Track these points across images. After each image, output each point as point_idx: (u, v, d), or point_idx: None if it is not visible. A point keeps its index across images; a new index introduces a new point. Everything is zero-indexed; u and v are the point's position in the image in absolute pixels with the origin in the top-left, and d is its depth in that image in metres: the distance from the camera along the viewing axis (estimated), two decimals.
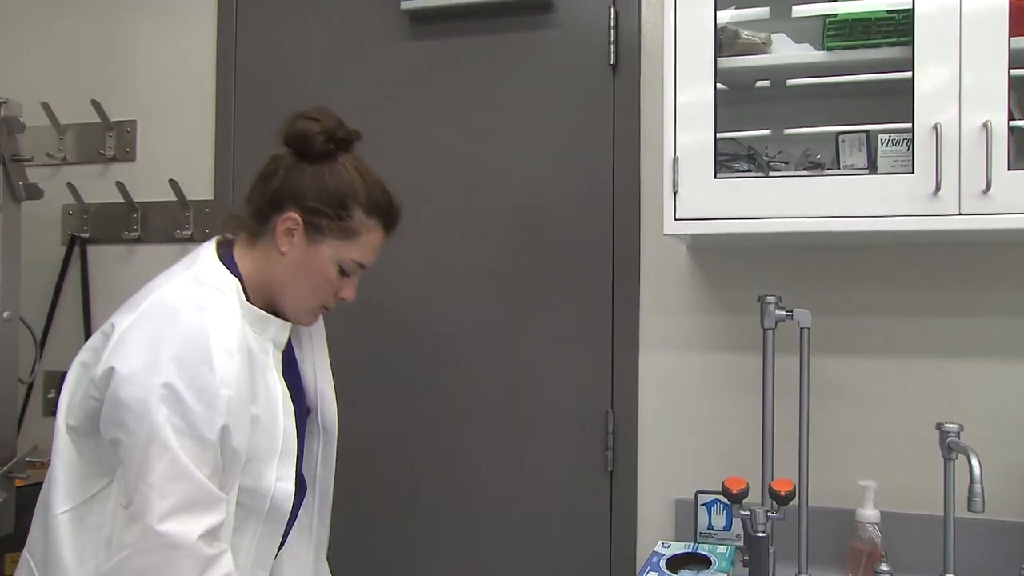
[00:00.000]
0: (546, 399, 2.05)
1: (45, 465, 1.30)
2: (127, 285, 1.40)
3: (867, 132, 1.67)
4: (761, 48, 1.66)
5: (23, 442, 2.10)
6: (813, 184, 1.59)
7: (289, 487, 1.31)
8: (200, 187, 2.33)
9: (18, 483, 1.97)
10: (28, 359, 2.27)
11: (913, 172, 1.51)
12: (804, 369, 1.68)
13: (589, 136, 2.02)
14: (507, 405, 2.08)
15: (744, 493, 1.45)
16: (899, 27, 1.57)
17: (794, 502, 1.55)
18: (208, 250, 1.36)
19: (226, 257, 1.35)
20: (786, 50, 1.67)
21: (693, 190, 1.62)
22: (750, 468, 1.77)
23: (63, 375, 1.31)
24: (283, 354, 1.39)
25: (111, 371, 1.20)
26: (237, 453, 1.23)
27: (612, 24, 2.00)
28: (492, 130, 2.10)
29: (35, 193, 2.03)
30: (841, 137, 1.70)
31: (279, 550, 1.41)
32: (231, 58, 2.31)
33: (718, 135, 1.61)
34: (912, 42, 1.52)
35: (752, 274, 1.91)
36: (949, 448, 1.57)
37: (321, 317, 1.48)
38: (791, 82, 1.79)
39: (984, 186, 1.47)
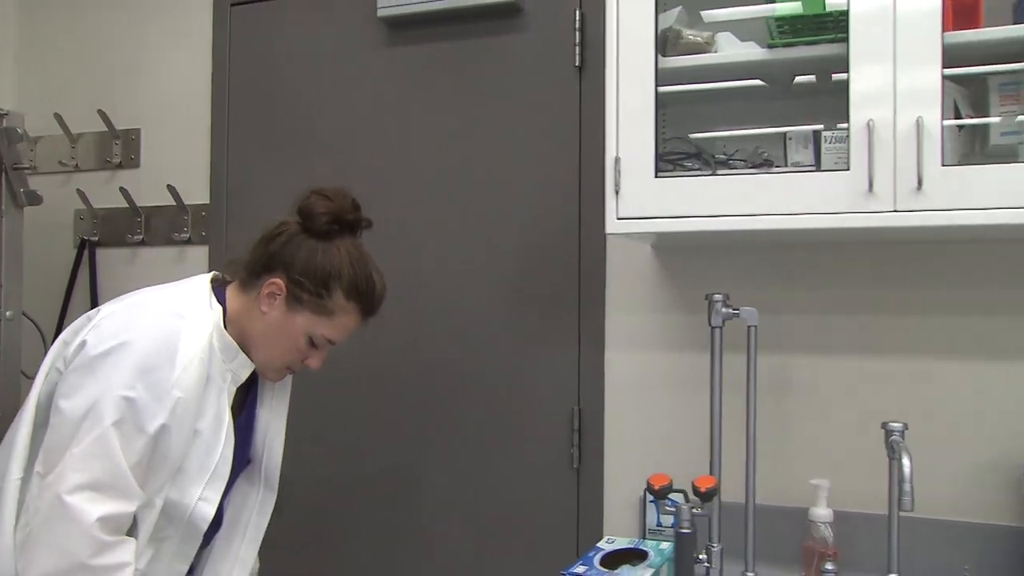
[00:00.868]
0: (514, 397, 2.09)
1: None
2: (131, 286, 1.52)
3: (814, 130, 1.67)
4: (704, 47, 1.67)
5: None
6: (753, 182, 1.60)
7: (208, 509, 1.37)
8: (197, 192, 2.44)
9: None
10: (37, 356, 2.39)
11: (849, 169, 1.51)
12: (751, 367, 1.69)
13: (556, 137, 2.05)
14: (475, 403, 2.12)
15: (667, 489, 1.46)
16: (838, 24, 1.57)
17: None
18: (204, 278, 1.47)
19: (218, 291, 1.45)
20: (731, 49, 1.68)
21: (634, 190, 1.64)
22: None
23: None
24: (244, 400, 1.47)
25: (83, 344, 1.29)
26: (168, 458, 1.29)
27: (577, 26, 2.03)
28: (464, 131, 2.16)
29: (35, 199, 2.16)
30: (788, 135, 1.70)
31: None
32: (225, 69, 2.42)
33: (674, 136, 1.63)
34: (848, 40, 1.51)
35: (713, 273, 1.92)
36: (892, 447, 1.56)
37: (289, 378, 1.56)
38: (743, 82, 1.79)
39: (916, 183, 1.45)
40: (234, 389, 1.42)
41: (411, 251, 2.18)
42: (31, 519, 1.23)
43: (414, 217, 2.18)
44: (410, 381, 2.19)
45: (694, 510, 1.45)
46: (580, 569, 1.48)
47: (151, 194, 2.49)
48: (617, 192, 1.65)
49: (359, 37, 2.25)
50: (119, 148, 2.54)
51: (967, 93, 1.64)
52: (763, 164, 1.74)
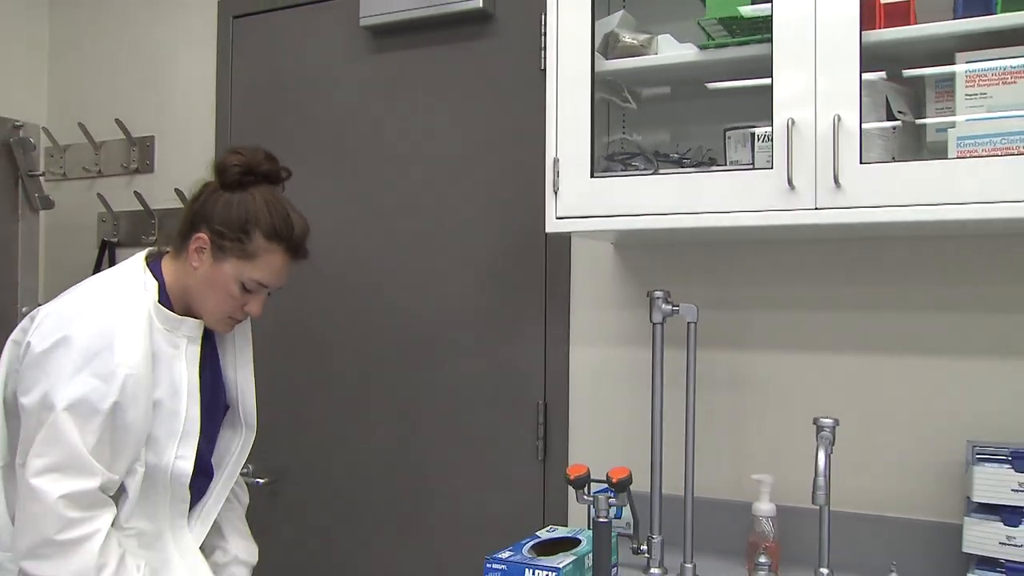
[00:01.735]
0: (482, 391, 2.16)
1: None
2: None
3: (751, 129, 1.69)
4: (641, 50, 1.71)
5: None
6: (686, 181, 1.63)
7: (185, 465, 1.48)
8: None
9: None
10: None
11: (772, 168, 1.53)
12: (690, 363, 1.72)
13: (524, 138, 2.11)
14: (444, 396, 2.21)
15: (584, 479, 1.51)
16: (764, 25, 1.59)
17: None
18: (136, 257, 1.58)
19: (154, 265, 1.56)
20: (670, 51, 1.71)
21: (572, 189, 1.69)
22: (675, 456, 1.77)
23: None
24: (206, 354, 1.58)
25: (28, 346, 1.42)
26: (130, 431, 1.41)
27: (544, 31, 2.08)
28: (438, 132, 2.25)
29: (48, 204, 2.34)
30: (727, 133, 1.72)
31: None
32: (228, 78, 2.56)
33: (621, 136, 1.68)
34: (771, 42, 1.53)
35: (669, 270, 1.96)
36: (818, 442, 1.57)
37: (249, 322, 1.66)
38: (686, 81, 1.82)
39: (834, 181, 1.47)
40: (196, 349, 1.52)
41: (384, 252, 2.29)
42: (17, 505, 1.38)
43: (389, 214, 2.28)
44: (378, 377, 2.29)
45: (610, 500, 1.50)
46: (505, 554, 1.54)
47: (164, 197, 2.65)
48: (556, 192, 1.70)
49: (347, 46, 2.36)
50: (136, 154, 2.71)
51: (906, 91, 1.64)
52: (707, 163, 1.77)
